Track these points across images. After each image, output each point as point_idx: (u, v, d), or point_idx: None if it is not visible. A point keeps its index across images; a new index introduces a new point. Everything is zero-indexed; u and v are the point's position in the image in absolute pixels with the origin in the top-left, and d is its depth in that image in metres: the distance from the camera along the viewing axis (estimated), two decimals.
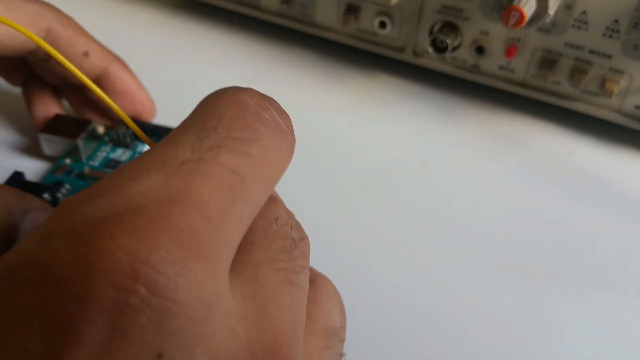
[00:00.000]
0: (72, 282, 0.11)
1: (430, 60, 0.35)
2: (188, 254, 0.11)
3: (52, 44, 0.25)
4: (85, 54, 0.27)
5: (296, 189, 0.28)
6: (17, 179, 0.25)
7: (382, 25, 0.34)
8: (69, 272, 0.11)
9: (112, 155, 0.28)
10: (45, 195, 0.25)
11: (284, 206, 0.16)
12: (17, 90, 0.31)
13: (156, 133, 0.29)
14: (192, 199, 0.12)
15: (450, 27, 0.32)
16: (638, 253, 0.26)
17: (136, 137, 0.29)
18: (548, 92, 0.33)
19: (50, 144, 0.28)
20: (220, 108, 0.14)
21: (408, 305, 0.24)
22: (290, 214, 0.16)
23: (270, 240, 0.14)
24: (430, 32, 0.33)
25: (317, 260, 0.25)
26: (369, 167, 0.30)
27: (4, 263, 0.12)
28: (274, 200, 0.16)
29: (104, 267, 0.11)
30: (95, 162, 0.28)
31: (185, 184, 0.12)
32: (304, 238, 0.16)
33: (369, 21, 0.35)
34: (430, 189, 0.29)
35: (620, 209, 0.29)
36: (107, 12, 0.41)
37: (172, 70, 0.36)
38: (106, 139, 0.29)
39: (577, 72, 0.31)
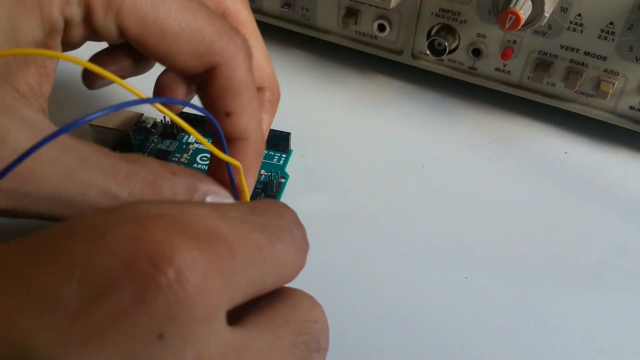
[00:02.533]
0: (120, 250, 0.13)
1: (428, 62, 0.35)
2: (217, 270, 0.14)
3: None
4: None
5: (297, 188, 0.29)
6: None
7: (381, 28, 0.35)
8: (120, 241, 0.13)
9: (161, 146, 0.30)
10: None
11: (326, 320, 0.18)
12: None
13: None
14: (230, 244, 0.14)
15: (448, 30, 0.33)
16: (632, 250, 0.27)
17: (182, 129, 0.30)
18: (543, 93, 0.33)
19: (99, 136, 0.29)
20: (266, 204, 0.18)
21: (406, 301, 0.24)
22: (327, 327, 0.18)
23: (302, 331, 0.17)
24: (428, 35, 0.34)
25: (318, 257, 0.26)
26: (368, 166, 0.31)
27: (69, 221, 0.14)
28: (321, 310, 0.18)
29: (149, 246, 0.13)
30: (145, 153, 0.29)
31: (225, 234, 0.15)
32: (325, 351, 0.18)
33: (368, 24, 0.35)
34: (428, 188, 0.30)
35: (614, 207, 0.29)
36: None
37: None
38: (153, 130, 0.30)
39: (573, 73, 0.31)
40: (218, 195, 0.21)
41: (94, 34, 0.20)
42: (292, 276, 0.17)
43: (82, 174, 0.18)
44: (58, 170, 0.18)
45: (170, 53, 0.20)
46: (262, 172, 0.29)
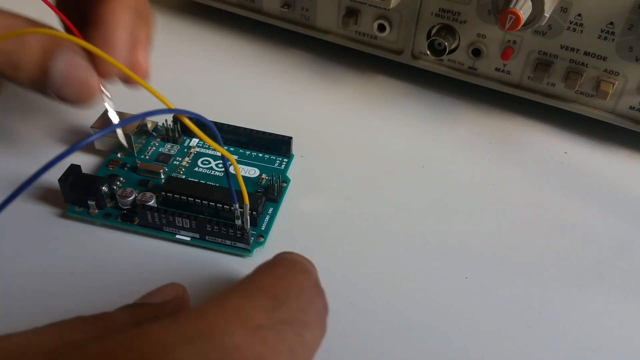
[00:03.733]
0: None
1: (428, 62, 0.35)
2: None
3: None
4: None
5: (297, 189, 0.29)
6: (74, 172, 0.26)
7: (381, 28, 0.35)
8: None
9: (162, 150, 0.30)
10: (104, 188, 0.26)
11: (313, 281, 0.18)
12: None
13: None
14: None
15: (448, 30, 0.33)
16: (632, 251, 0.27)
17: (184, 133, 0.30)
18: (543, 93, 0.33)
19: (101, 139, 0.29)
20: (286, 282, 0.17)
21: (406, 301, 0.24)
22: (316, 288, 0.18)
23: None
24: (428, 35, 0.34)
25: (319, 258, 0.26)
26: (368, 166, 0.31)
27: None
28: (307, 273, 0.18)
29: None
30: (146, 156, 0.29)
31: (261, 353, 0.15)
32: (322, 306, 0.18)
33: (368, 24, 0.35)
34: (428, 188, 0.30)
35: (614, 208, 0.29)
36: None
37: (175, 72, 0.36)
38: (154, 134, 0.30)
39: (573, 73, 0.31)
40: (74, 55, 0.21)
41: None
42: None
43: None
44: None
45: None
46: (264, 176, 0.29)
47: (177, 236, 0.26)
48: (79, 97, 0.22)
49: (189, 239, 0.26)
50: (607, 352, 0.23)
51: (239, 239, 0.25)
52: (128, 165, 0.29)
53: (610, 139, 0.33)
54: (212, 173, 0.29)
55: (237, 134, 0.30)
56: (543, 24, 0.29)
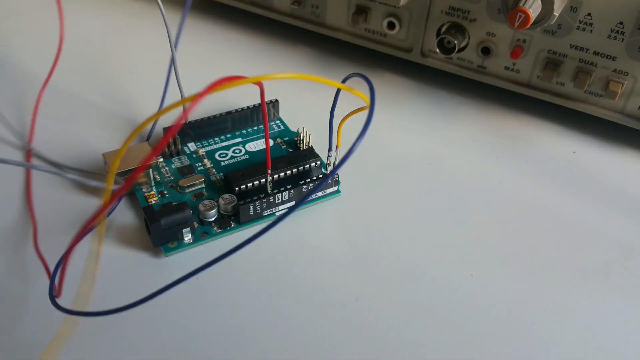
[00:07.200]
0: None
1: (438, 60, 0.35)
2: None
3: None
4: None
5: None
6: (153, 211, 0.24)
7: (391, 26, 0.35)
8: None
9: (174, 165, 0.28)
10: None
11: None
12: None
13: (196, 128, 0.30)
14: None
15: (457, 28, 0.33)
16: (638, 251, 0.27)
17: (181, 142, 0.30)
18: (552, 92, 0.33)
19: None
20: None
21: (411, 297, 0.24)
22: None
23: None
24: (438, 33, 0.34)
25: (323, 253, 0.26)
26: (375, 162, 0.31)
27: None
28: None
29: None
30: (170, 177, 0.28)
31: None
32: None
33: (378, 22, 0.35)
34: (435, 185, 0.30)
35: (622, 208, 0.29)
36: (123, 11, 0.42)
37: (186, 68, 0.37)
38: (155, 157, 0.29)
39: (582, 73, 0.31)
40: None
41: None
42: None
43: None
44: None
45: None
46: (278, 140, 0.30)
47: (277, 213, 0.26)
48: None
49: (286, 210, 0.25)
50: (611, 351, 0.23)
51: (329, 185, 0.27)
52: (166, 193, 0.27)
53: (618, 139, 0.33)
54: (239, 159, 0.29)
55: (220, 121, 0.30)
56: (552, 23, 0.29)
